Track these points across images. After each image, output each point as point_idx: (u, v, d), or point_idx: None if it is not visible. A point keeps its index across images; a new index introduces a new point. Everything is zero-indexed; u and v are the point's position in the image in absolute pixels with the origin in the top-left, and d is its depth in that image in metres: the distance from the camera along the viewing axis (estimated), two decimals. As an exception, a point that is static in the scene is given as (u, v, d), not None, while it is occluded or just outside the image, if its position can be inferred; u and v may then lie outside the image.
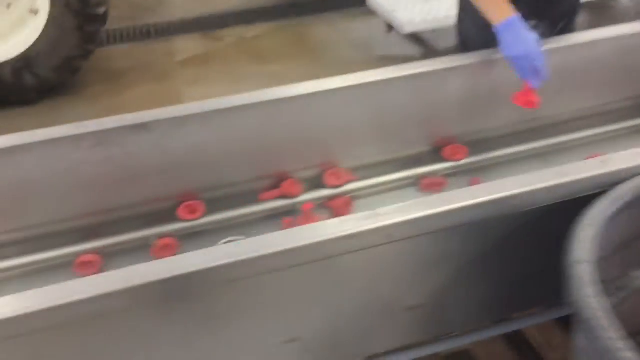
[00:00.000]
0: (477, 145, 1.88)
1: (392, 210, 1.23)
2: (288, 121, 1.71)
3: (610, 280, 1.20)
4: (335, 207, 1.74)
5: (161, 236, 1.65)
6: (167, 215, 1.69)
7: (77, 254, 1.60)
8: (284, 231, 1.25)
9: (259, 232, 1.71)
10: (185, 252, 1.61)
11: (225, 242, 1.67)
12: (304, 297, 1.30)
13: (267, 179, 1.77)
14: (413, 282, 1.37)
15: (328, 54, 3.82)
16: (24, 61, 3.12)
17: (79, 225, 1.64)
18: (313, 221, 1.65)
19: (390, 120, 1.81)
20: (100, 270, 1.59)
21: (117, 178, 1.62)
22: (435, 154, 1.87)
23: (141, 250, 1.64)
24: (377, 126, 1.81)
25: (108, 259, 1.61)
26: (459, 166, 1.85)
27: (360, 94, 1.74)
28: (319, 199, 1.77)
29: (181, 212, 1.69)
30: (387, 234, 1.21)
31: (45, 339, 1.15)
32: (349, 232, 1.19)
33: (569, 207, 1.22)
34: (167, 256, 1.62)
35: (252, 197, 1.75)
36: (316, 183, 1.79)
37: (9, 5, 3.15)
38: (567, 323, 1.21)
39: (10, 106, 3.20)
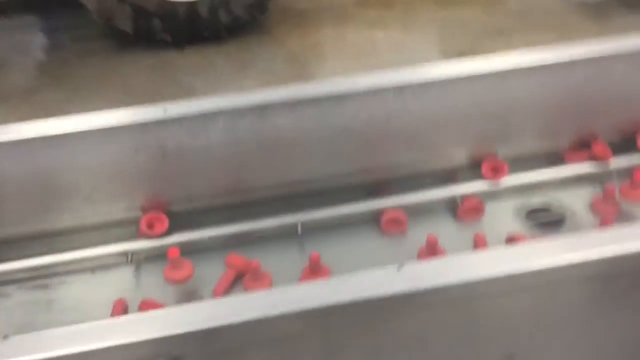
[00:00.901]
0: None
1: None
2: (604, 78, 1.53)
3: None
4: (654, 178, 1.54)
5: (464, 196, 1.51)
6: (470, 173, 1.54)
7: (380, 210, 1.48)
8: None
9: (565, 196, 1.57)
10: (491, 214, 1.53)
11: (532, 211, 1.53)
12: None
13: (572, 139, 1.59)
14: None
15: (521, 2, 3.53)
16: (223, -2, 3.04)
17: (377, 179, 1.53)
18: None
19: None
20: (406, 229, 1.47)
21: (419, 130, 1.49)
22: None
23: (445, 210, 1.51)
24: None
25: (412, 217, 1.49)
26: None
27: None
28: (634, 167, 1.57)
29: (484, 170, 1.53)
30: None
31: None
32: None
33: None
34: (474, 218, 1.51)
35: (555, 158, 1.58)
36: (628, 147, 1.59)
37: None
38: None
39: (203, 42, 3.14)
